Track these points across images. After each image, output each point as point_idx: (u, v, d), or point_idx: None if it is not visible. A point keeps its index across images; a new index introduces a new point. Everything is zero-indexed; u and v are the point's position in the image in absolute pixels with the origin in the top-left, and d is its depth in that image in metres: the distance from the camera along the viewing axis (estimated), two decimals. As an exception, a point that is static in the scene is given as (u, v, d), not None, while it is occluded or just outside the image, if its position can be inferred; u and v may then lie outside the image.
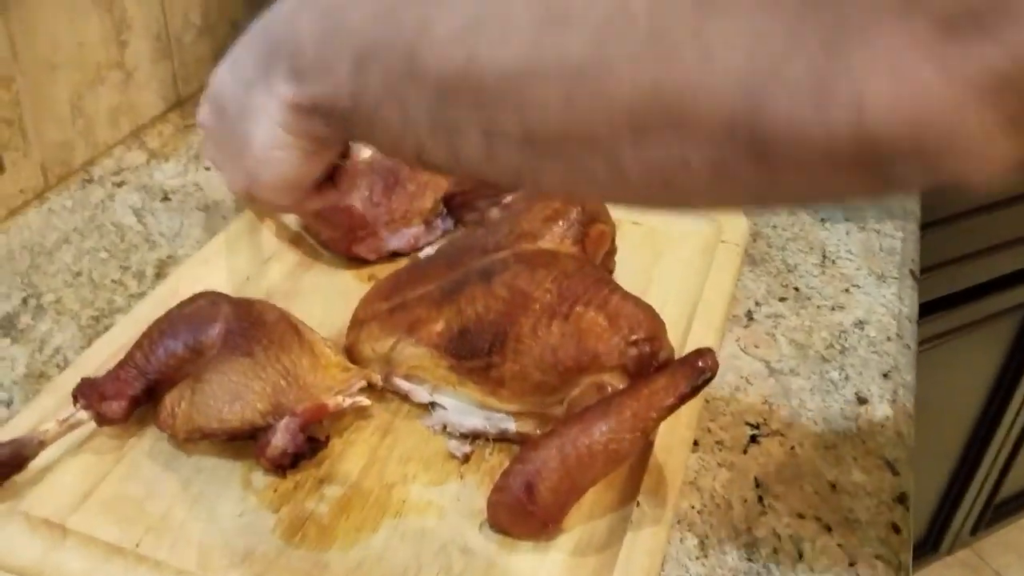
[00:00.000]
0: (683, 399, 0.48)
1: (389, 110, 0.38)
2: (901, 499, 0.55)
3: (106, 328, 0.64)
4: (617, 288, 0.55)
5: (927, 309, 1.10)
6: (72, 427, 0.52)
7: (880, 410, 0.60)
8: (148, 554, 0.48)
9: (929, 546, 1.59)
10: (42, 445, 0.51)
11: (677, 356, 0.59)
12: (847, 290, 0.71)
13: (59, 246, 0.72)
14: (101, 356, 0.59)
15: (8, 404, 0.59)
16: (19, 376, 0.61)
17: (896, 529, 0.53)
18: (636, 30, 0.30)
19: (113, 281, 0.69)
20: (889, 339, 0.66)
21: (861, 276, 0.72)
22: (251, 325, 0.55)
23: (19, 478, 0.51)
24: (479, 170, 0.37)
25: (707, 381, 0.48)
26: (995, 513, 1.60)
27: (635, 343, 0.52)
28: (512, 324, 0.54)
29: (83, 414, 0.52)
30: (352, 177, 0.53)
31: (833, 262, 0.74)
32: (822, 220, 0.78)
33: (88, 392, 0.53)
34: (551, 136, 0.33)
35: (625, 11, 0.30)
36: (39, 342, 0.64)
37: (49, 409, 0.55)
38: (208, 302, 0.56)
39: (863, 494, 0.55)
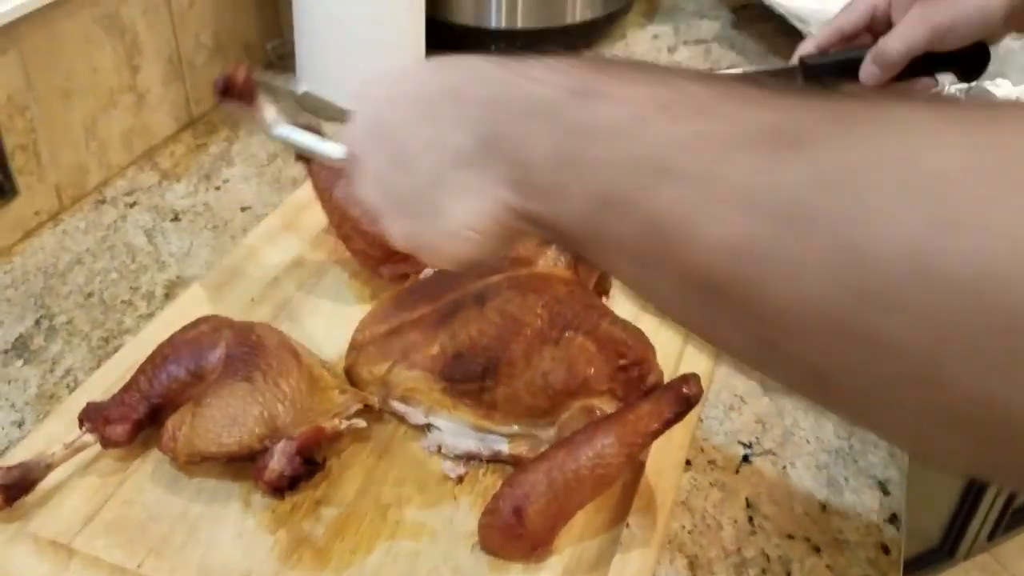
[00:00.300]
0: (667, 425, 0.49)
1: (629, 265, 0.33)
2: (892, 519, 0.55)
3: (115, 349, 0.66)
4: (607, 313, 0.56)
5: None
6: (78, 450, 0.54)
7: (874, 429, 0.60)
8: (150, 575, 0.49)
9: (946, 551, 1.58)
10: (49, 468, 0.53)
11: (669, 378, 0.60)
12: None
13: (72, 267, 0.74)
14: (110, 378, 0.61)
15: (20, 424, 0.61)
16: (31, 397, 0.63)
17: (886, 550, 0.54)
18: None
19: (123, 302, 0.71)
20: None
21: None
22: (251, 350, 0.56)
23: (27, 499, 0.53)
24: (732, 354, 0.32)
25: (690, 407, 0.49)
26: (1012, 519, 1.59)
27: (623, 368, 0.53)
28: (504, 349, 0.55)
29: (89, 437, 0.54)
30: None
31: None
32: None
33: (94, 416, 0.54)
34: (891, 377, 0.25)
35: None
36: (51, 363, 0.66)
37: (59, 430, 0.57)
38: (210, 327, 0.58)
39: (853, 514, 0.55)
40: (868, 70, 0.69)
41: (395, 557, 0.51)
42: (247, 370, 0.55)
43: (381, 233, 0.44)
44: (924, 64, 0.68)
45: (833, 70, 0.71)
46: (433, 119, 0.39)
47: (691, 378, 0.50)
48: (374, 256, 0.68)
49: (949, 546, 1.58)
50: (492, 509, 0.50)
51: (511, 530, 0.50)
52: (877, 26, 0.71)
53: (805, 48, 0.72)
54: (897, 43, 0.67)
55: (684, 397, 0.49)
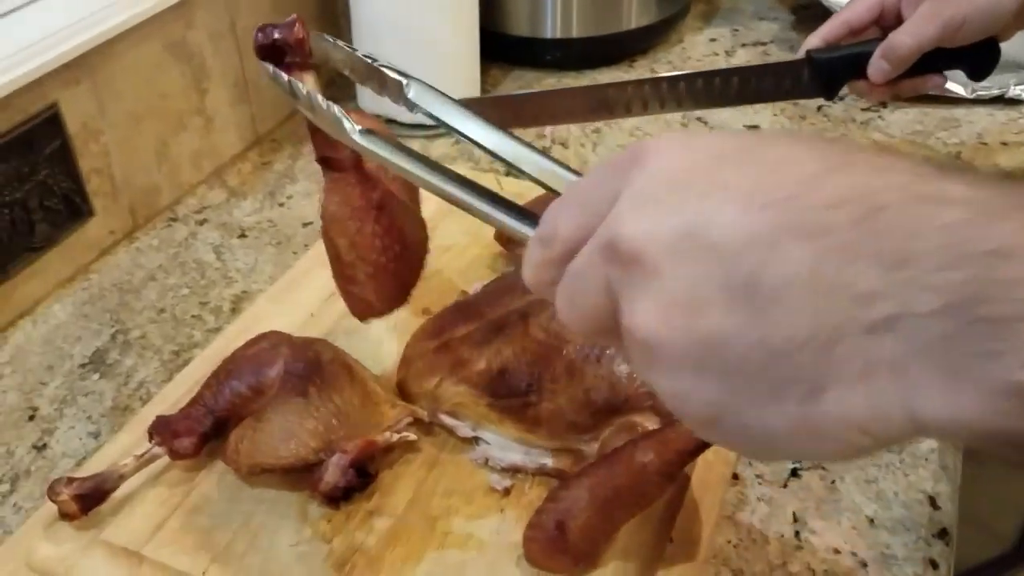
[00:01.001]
0: (706, 444, 0.49)
1: None
2: (941, 534, 0.55)
3: (185, 362, 0.69)
4: (650, 328, 0.57)
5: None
6: (148, 462, 0.57)
7: (926, 443, 0.60)
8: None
9: (1021, 555, 1.53)
10: (122, 479, 0.56)
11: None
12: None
13: (145, 284, 0.78)
14: (180, 390, 0.64)
15: (96, 436, 0.65)
16: (106, 409, 0.67)
17: (934, 565, 0.53)
18: None
19: (193, 316, 0.75)
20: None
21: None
22: (306, 366, 0.59)
23: (101, 508, 0.56)
24: None
25: None
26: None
27: (665, 384, 0.54)
28: (547, 365, 0.56)
29: (158, 450, 0.57)
30: None
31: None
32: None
33: (162, 429, 0.58)
34: None
35: None
36: (125, 376, 0.69)
37: (131, 441, 0.61)
38: (269, 344, 0.61)
39: (902, 529, 0.55)
40: (877, 66, 0.67)
41: (444, 567, 0.53)
42: (303, 386, 0.58)
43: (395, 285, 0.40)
44: (933, 60, 0.67)
45: (840, 65, 0.69)
46: (814, 234, 0.26)
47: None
48: (375, 310, 0.61)
49: (1028, 553, 1.52)
50: (536, 523, 0.51)
51: (554, 544, 0.51)
52: (885, 20, 0.70)
53: (811, 42, 0.71)
54: (907, 38, 0.65)
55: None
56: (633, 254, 0.28)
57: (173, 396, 0.64)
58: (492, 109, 0.72)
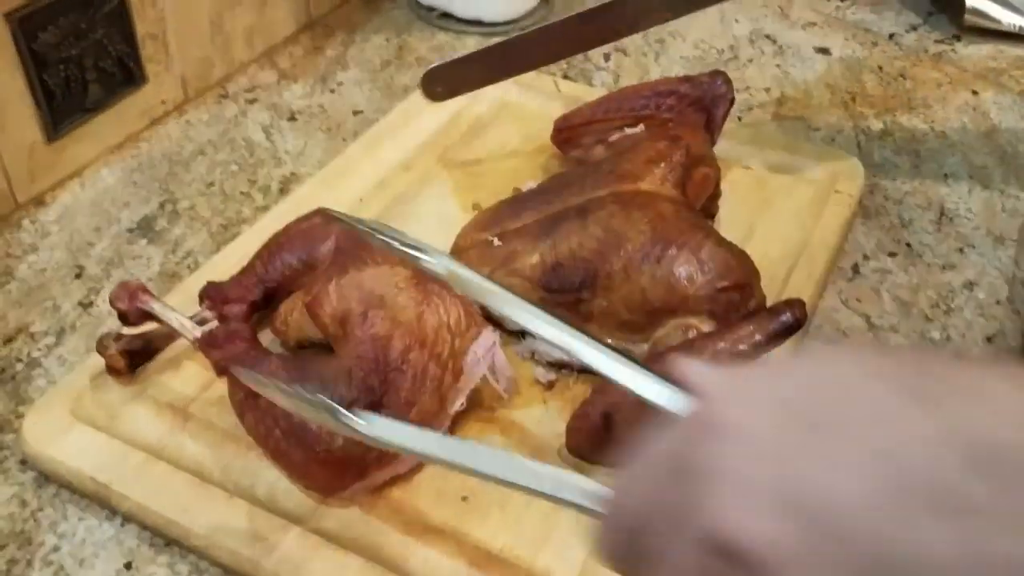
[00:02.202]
0: (764, 347, 0.49)
1: None
2: (988, 465, 0.54)
3: (233, 236, 0.69)
4: (712, 233, 0.56)
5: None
6: (198, 324, 0.57)
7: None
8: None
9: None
10: (170, 339, 0.57)
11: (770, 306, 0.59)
12: (961, 250, 0.68)
13: (195, 157, 0.78)
14: (228, 262, 0.64)
15: (143, 300, 0.64)
16: (153, 274, 0.67)
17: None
18: None
19: (242, 193, 0.74)
20: (998, 303, 0.64)
21: (978, 236, 0.69)
22: (358, 245, 0.58)
23: (149, 367, 0.56)
24: None
25: (791, 331, 0.49)
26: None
27: (725, 289, 0.53)
28: (604, 262, 0.55)
29: (208, 314, 0.57)
30: None
31: (951, 220, 0.71)
32: (945, 176, 0.75)
33: (213, 294, 0.58)
34: None
35: None
36: (173, 244, 0.69)
37: (179, 307, 0.60)
38: (323, 220, 0.60)
39: (948, 457, 0.54)
40: None
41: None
42: (354, 264, 0.57)
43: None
44: None
45: None
46: (958, 510, 0.23)
47: (795, 303, 0.49)
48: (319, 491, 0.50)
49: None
50: (581, 413, 0.51)
51: (598, 434, 0.51)
52: None
53: None
54: None
55: (786, 322, 0.49)
56: (747, 553, 0.25)
57: (221, 267, 0.63)
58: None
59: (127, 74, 0.76)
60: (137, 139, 0.79)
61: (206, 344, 0.53)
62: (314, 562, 0.46)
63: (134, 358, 0.55)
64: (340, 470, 0.48)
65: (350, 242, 0.59)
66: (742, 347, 0.49)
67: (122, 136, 0.78)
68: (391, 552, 0.47)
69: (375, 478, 0.49)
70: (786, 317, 0.49)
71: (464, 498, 0.50)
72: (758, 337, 0.49)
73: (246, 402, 0.51)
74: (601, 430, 0.50)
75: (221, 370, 0.52)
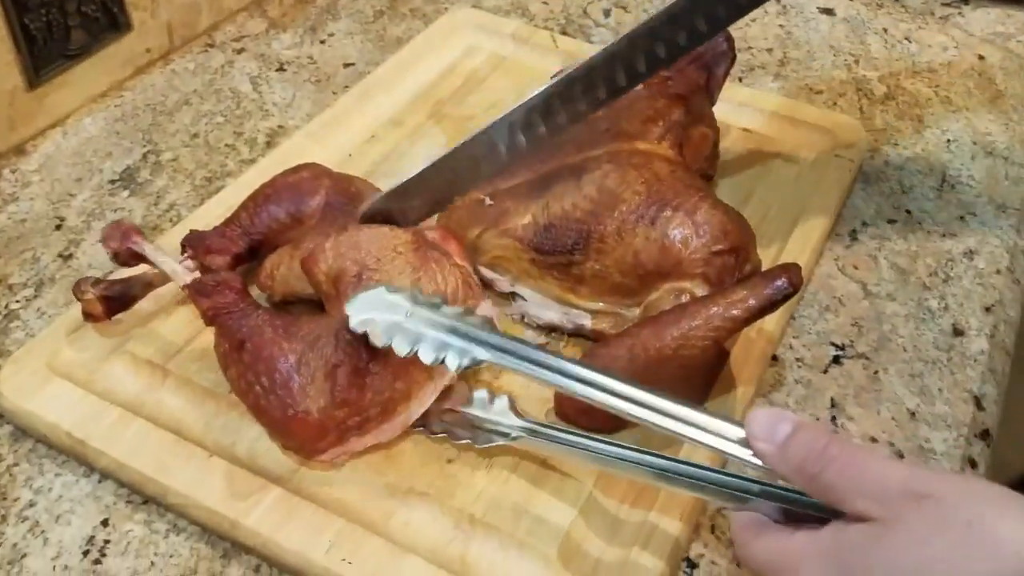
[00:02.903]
0: (759, 313, 0.47)
1: None
2: (983, 435, 0.53)
3: (217, 190, 0.67)
4: (709, 195, 0.54)
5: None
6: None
7: (976, 344, 0.58)
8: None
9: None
10: (149, 286, 0.55)
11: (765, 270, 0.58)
12: (962, 217, 0.67)
13: (179, 107, 0.76)
14: (211, 215, 0.62)
15: (124, 253, 0.63)
16: (136, 227, 0.65)
17: (973, 464, 0.52)
18: None
19: (227, 145, 0.72)
20: (998, 272, 0.62)
21: (980, 204, 0.68)
22: (348, 201, 0.57)
23: (126, 321, 0.55)
24: None
25: (787, 297, 0.47)
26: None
27: (719, 253, 0.52)
28: (597, 224, 0.54)
29: (189, 263, 0.56)
30: None
31: (952, 187, 0.70)
32: (948, 142, 0.74)
33: (196, 244, 0.56)
34: None
35: None
36: (155, 196, 0.67)
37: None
38: (311, 174, 0.58)
39: (943, 426, 0.53)
40: None
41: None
42: (344, 220, 0.56)
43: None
44: None
45: None
46: None
47: (791, 268, 0.48)
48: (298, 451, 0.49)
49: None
50: (571, 378, 0.50)
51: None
52: None
53: None
54: None
55: (781, 287, 0.47)
56: None
57: (203, 220, 0.61)
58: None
59: (111, 19, 0.74)
60: (121, 88, 0.77)
61: (196, 291, 0.52)
62: (294, 523, 0.45)
63: (111, 304, 0.54)
64: (318, 432, 0.47)
65: (340, 198, 0.57)
66: (735, 312, 0.47)
67: (105, 84, 0.76)
68: (373, 514, 0.46)
69: (354, 444, 0.48)
70: (781, 282, 0.48)
71: (449, 460, 0.49)
72: (752, 302, 0.48)
73: (230, 355, 0.50)
74: None
75: (209, 320, 0.51)
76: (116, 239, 0.55)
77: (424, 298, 0.47)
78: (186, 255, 0.55)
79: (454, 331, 0.45)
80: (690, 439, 0.41)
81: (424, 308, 0.46)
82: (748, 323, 0.48)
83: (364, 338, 0.46)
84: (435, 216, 0.60)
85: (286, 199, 0.57)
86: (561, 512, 0.47)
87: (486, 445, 0.48)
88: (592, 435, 0.46)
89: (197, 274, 0.54)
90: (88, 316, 0.54)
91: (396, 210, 0.57)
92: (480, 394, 0.49)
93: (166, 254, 0.55)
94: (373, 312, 0.46)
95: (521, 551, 0.45)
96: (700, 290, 0.52)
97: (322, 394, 0.47)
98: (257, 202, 0.57)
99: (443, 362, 0.45)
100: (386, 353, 0.47)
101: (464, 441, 0.48)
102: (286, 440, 0.48)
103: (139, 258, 0.55)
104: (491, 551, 0.45)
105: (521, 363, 0.44)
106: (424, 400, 0.49)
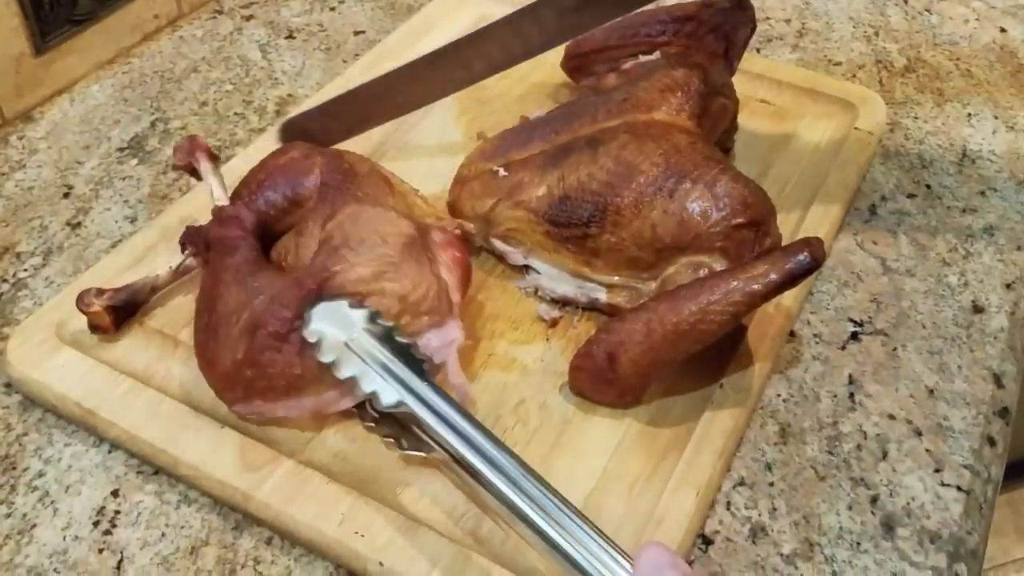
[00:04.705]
0: (780, 288, 0.46)
1: None
2: (1002, 413, 0.53)
3: (227, 159, 0.66)
4: (728, 168, 0.53)
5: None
6: (182, 273, 0.54)
7: (996, 321, 0.57)
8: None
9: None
10: (155, 291, 0.54)
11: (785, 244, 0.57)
12: (982, 192, 0.66)
13: (188, 75, 0.75)
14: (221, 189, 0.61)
15: (132, 220, 0.62)
16: (144, 195, 0.64)
17: (992, 442, 0.51)
18: None
19: (236, 114, 0.71)
20: (1019, 248, 0.61)
21: (1001, 179, 0.67)
22: (344, 178, 0.54)
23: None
24: None
25: (809, 272, 0.46)
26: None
27: (739, 227, 0.51)
28: (614, 196, 0.53)
29: (192, 261, 0.54)
30: None
31: (973, 161, 0.68)
32: (968, 116, 0.72)
33: (195, 239, 0.54)
34: None
35: None
36: (164, 165, 0.67)
37: (169, 229, 0.58)
38: (301, 154, 0.56)
39: (962, 403, 0.52)
40: None
41: (485, 385, 0.51)
42: (344, 198, 0.53)
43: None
44: None
45: None
46: None
47: (813, 242, 0.47)
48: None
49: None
50: (586, 352, 0.49)
51: (602, 374, 0.49)
52: None
53: None
54: None
55: (803, 262, 0.46)
56: None
57: (217, 195, 0.61)
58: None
59: (118, -15, 0.73)
60: (128, 54, 0.76)
61: (214, 218, 0.54)
62: (305, 495, 0.45)
63: (119, 313, 0.52)
64: (226, 383, 0.47)
65: (336, 175, 0.55)
66: (755, 287, 0.46)
67: (113, 51, 0.75)
68: (385, 487, 0.46)
69: (261, 408, 0.47)
70: (803, 257, 0.47)
71: (462, 434, 0.49)
72: (773, 276, 0.47)
73: (204, 284, 0.51)
74: (606, 370, 0.48)
75: (206, 245, 0.52)
76: (184, 153, 0.57)
77: (379, 322, 0.46)
78: (188, 252, 0.54)
79: (387, 370, 0.45)
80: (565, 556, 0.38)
81: (371, 336, 0.46)
82: (768, 298, 0.47)
83: (303, 305, 0.47)
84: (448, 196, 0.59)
85: (282, 182, 0.54)
86: (575, 488, 0.46)
87: (406, 452, 0.46)
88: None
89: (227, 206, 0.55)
90: (95, 329, 0.52)
91: (317, 127, 0.61)
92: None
93: (220, 180, 0.57)
94: (328, 325, 0.46)
95: (535, 526, 0.45)
96: (719, 264, 0.51)
97: (239, 348, 0.46)
98: (251, 189, 0.55)
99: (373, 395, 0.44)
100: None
101: (388, 439, 0.46)
102: (206, 380, 0.49)
103: (196, 174, 0.58)
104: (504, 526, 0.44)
105: (437, 422, 0.43)
106: (344, 394, 0.47)
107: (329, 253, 0.49)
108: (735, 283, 0.47)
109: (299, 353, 0.46)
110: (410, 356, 0.46)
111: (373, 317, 0.46)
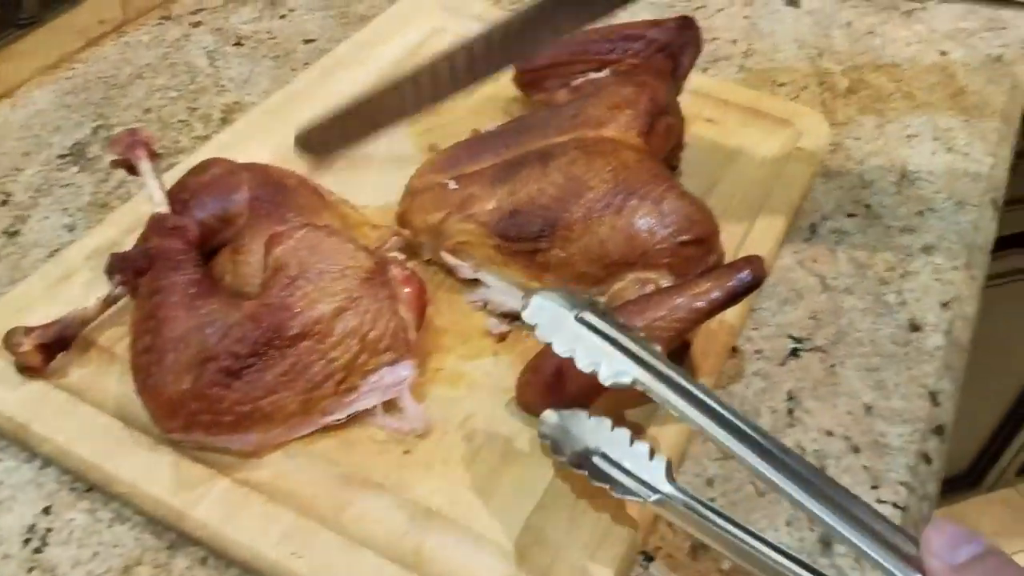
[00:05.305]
0: (722, 305, 0.47)
1: None
2: (938, 431, 0.54)
3: (170, 167, 0.65)
4: (675, 185, 0.54)
5: (1009, 243, 1.05)
6: (111, 303, 0.52)
7: (932, 339, 0.58)
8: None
9: (971, 480, 1.58)
10: (84, 324, 0.51)
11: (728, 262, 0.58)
12: (921, 213, 0.67)
13: (132, 81, 0.73)
14: (162, 194, 0.60)
15: (71, 229, 0.61)
16: (84, 204, 0.63)
17: (927, 459, 0.52)
18: None
19: (180, 121, 0.70)
20: (956, 268, 0.63)
21: (939, 200, 0.68)
22: (276, 191, 0.54)
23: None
24: None
25: (750, 289, 0.47)
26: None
27: (685, 244, 0.51)
28: (563, 211, 0.53)
29: (120, 290, 0.52)
30: None
31: (912, 182, 0.70)
32: (909, 137, 0.74)
33: (123, 267, 0.51)
34: None
35: None
36: (105, 173, 0.65)
37: (110, 237, 0.57)
38: (224, 170, 0.55)
39: (899, 421, 0.54)
40: None
41: (432, 400, 0.51)
42: (279, 212, 0.53)
43: None
44: None
45: None
46: None
47: (754, 260, 0.48)
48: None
49: (976, 475, 1.57)
50: (533, 367, 0.49)
51: (549, 389, 0.49)
52: None
53: None
54: None
55: (744, 279, 0.47)
56: None
57: (155, 199, 0.60)
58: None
59: (61, -12, 0.71)
60: (72, 60, 0.74)
61: (152, 226, 0.51)
62: (243, 515, 0.44)
63: (49, 351, 0.50)
64: (167, 411, 0.45)
65: (266, 189, 0.54)
66: (699, 303, 0.47)
67: (56, 56, 0.73)
68: (325, 506, 0.45)
69: (200, 439, 0.46)
70: (744, 275, 0.48)
71: (406, 451, 0.48)
72: (716, 294, 0.47)
73: (142, 298, 0.49)
74: (552, 384, 0.49)
75: (148, 259, 0.50)
76: (122, 145, 0.55)
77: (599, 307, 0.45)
78: (115, 281, 0.51)
79: (618, 346, 0.43)
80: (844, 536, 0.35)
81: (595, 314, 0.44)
82: (712, 315, 0.48)
83: (257, 340, 0.45)
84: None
85: (208, 201, 0.53)
86: (520, 505, 0.46)
87: (623, 496, 0.43)
88: (741, 524, 0.41)
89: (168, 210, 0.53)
90: (26, 370, 0.49)
91: (323, 138, 0.59)
92: (642, 447, 0.45)
93: (160, 183, 0.54)
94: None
95: (478, 544, 0.44)
96: (665, 281, 0.51)
97: (185, 378, 0.45)
98: (176, 210, 0.53)
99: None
100: (268, 368, 0.45)
101: (603, 485, 0.44)
102: (143, 403, 0.47)
103: (134, 171, 0.55)
104: (448, 544, 0.44)
105: (673, 396, 0.41)
106: (292, 431, 0.47)
107: (284, 284, 0.48)
108: (680, 300, 0.48)
109: (256, 391, 0.45)
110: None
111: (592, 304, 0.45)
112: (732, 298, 0.47)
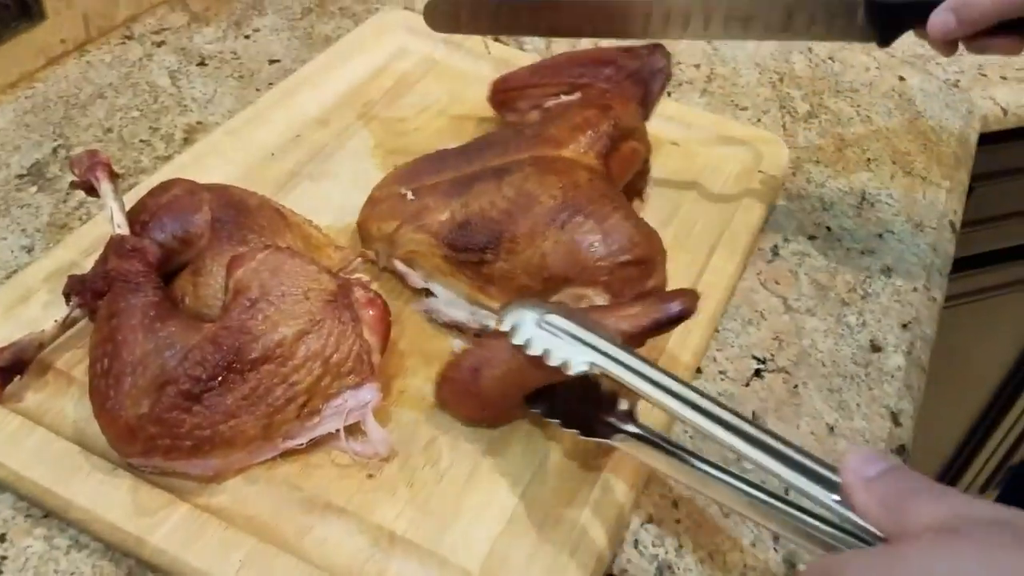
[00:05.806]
0: (646, 331, 0.46)
1: None
2: (900, 450, 0.55)
3: (131, 187, 0.64)
4: (623, 206, 0.54)
5: (967, 264, 1.07)
6: (69, 326, 0.51)
7: (893, 360, 0.59)
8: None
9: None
10: (41, 347, 0.50)
11: (693, 285, 0.58)
12: (880, 235, 0.68)
13: (93, 100, 0.72)
14: (121, 215, 0.59)
15: (29, 250, 0.60)
16: (42, 224, 0.62)
17: (887, 480, 0.53)
18: None
19: (141, 141, 0.70)
20: (915, 290, 0.64)
21: (898, 223, 0.70)
22: (237, 212, 0.54)
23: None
24: None
25: (677, 321, 0.46)
26: (1007, 475, 1.59)
27: (624, 264, 0.51)
28: (511, 224, 0.53)
29: (78, 312, 0.51)
30: None
31: (872, 205, 0.71)
32: (868, 160, 0.75)
33: (81, 289, 0.50)
34: None
35: None
36: (64, 193, 0.64)
37: (69, 259, 0.56)
38: (184, 191, 0.54)
39: (860, 440, 0.54)
40: (941, 19, 0.55)
41: (396, 423, 0.51)
42: (240, 233, 0.53)
43: None
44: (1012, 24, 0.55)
45: (901, 10, 0.59)
46: None
47: (688, 294, 0.47)
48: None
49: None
50: (453, 364, 0.50)
51: (465, 387, 0.49)
52: None
53: None
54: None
55: (672, 312, 0.46)
56: None
57: (115, 220, 0.59)
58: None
59: (24, 8, 0.70)
60: (32, 79, 0.73)
61: (112, 248, 0.50)
62: (202, 540, 0.43)
63: (5, 375, 0.49)
64: (125, 436, 0.45)
65: (228, 210, 0.54)
66: (624, 326, 0.47)
67: (16, 75, 0.72)
68: (287, 531, 0.45)
69: (160, 463, 0.45)
70: (674, 307, 0.47)
71: (369, 475, 0.48)
72: (642, 321, 0.46)
73: (101, 321, 0.48)
74: (469, 383, 0.49)
75: (106, 281, 0.49)
76: (83, 167, 0.54)
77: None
78: (73, 303, 0.50)
79: (577, 339, 0.45)
80: (789, 482, 0.39)
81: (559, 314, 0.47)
82: (636, 340, 0.47)
83: (217, 364, 0.45)
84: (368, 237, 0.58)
85: (168, 222, 0.53)
86: (485, 528, 0.46)
87: (591, 439, 0.47)
88: (705, 458, 0.45)
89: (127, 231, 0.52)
90: None
91: (466, 14, 0.59)
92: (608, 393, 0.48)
93: (120, 204, 0.53)
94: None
95: (443, 569, 0.44)
96: (600, 299, 0.51)
97: (143, 402, 0.44)
98: (136, 232, 0.52)
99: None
100: (229, 391, 0.45)
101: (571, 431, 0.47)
102: (100, 427, 0.46)
103: (94, 192, 0.54)
104: (411, 569, 0.44)
105: (633, 377, 0.44)
106: (253, 455, 0.47)
107: (246, 307, 0.47)
108: (607, 320, 0.47)
109: (216, 416, 0.44)
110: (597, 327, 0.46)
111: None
112: (657, 327, 0.47)
